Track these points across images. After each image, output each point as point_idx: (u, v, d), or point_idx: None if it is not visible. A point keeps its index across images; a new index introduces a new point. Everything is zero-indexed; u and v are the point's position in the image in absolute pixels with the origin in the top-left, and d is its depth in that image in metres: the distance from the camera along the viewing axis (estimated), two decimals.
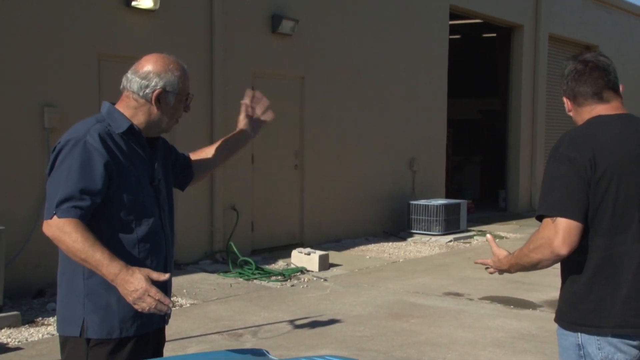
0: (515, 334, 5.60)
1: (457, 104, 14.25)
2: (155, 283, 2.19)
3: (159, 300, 2.16)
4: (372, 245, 9.95)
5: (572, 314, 2.35)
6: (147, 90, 2.39)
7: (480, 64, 17.95)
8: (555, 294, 7.12)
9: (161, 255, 2.43)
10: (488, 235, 2.56)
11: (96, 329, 2.29)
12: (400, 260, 9.02)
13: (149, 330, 2.38)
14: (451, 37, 12.63)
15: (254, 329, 5.66)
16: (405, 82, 11.26)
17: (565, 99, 2.49)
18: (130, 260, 2.26)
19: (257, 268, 7.86)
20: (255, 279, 7.55)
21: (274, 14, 8.96)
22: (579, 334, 2.33)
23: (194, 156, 2.81)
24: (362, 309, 6.35)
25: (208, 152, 2.82)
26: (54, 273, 7.48)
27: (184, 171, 2.74)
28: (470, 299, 6.73)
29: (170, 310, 2.24)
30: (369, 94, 10.56)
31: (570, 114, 2.51)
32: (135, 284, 2.15)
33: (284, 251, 8.89)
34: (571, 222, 2.23)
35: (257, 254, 8.75)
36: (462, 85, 15.67)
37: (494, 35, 16.07)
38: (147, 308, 2.17)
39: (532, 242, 2.34)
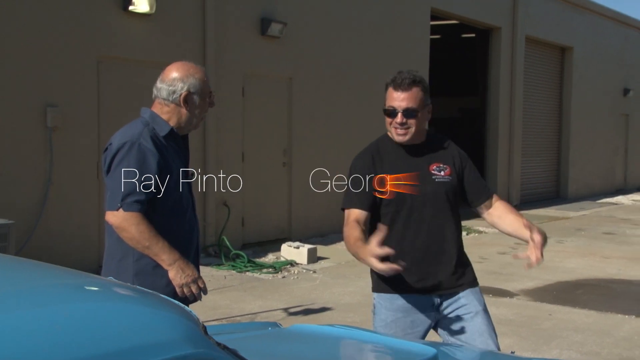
0: (493, 319, 5.96)
1: (437, 102, 14.60)
2: None
3: (202, 289, 2.68)
4: None
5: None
6: (175, 95, 2.76)
7: (459, 64, 18.42)
8: (530, 283, 7.58)
9: (194, 239, 2.86)
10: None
11: None
12: None
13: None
14: (432, 37, 13.05)
15: (251, 316, 6.03)
16: None
17: (429, 111, 3.06)
18: (176, 243, 2.67)
19: (249, 261, 8.23)
20: (248, 271, 7.92)
21: (263, 17, 9.31)
22: None
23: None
24: (351, 298, 6.75)
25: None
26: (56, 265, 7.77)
27: None
28: None
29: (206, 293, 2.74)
30: (353, 93, 10.94)
31: (425, 120, 3.08)
32: (190, 271, 2.65)
33: (273, 245, 9.26)
34: None
35: (248, 248, 9.11)
36: (443, 84, 16.11)
37: (473, 35, 16.54)
38: (188, 293, 2.65)
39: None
